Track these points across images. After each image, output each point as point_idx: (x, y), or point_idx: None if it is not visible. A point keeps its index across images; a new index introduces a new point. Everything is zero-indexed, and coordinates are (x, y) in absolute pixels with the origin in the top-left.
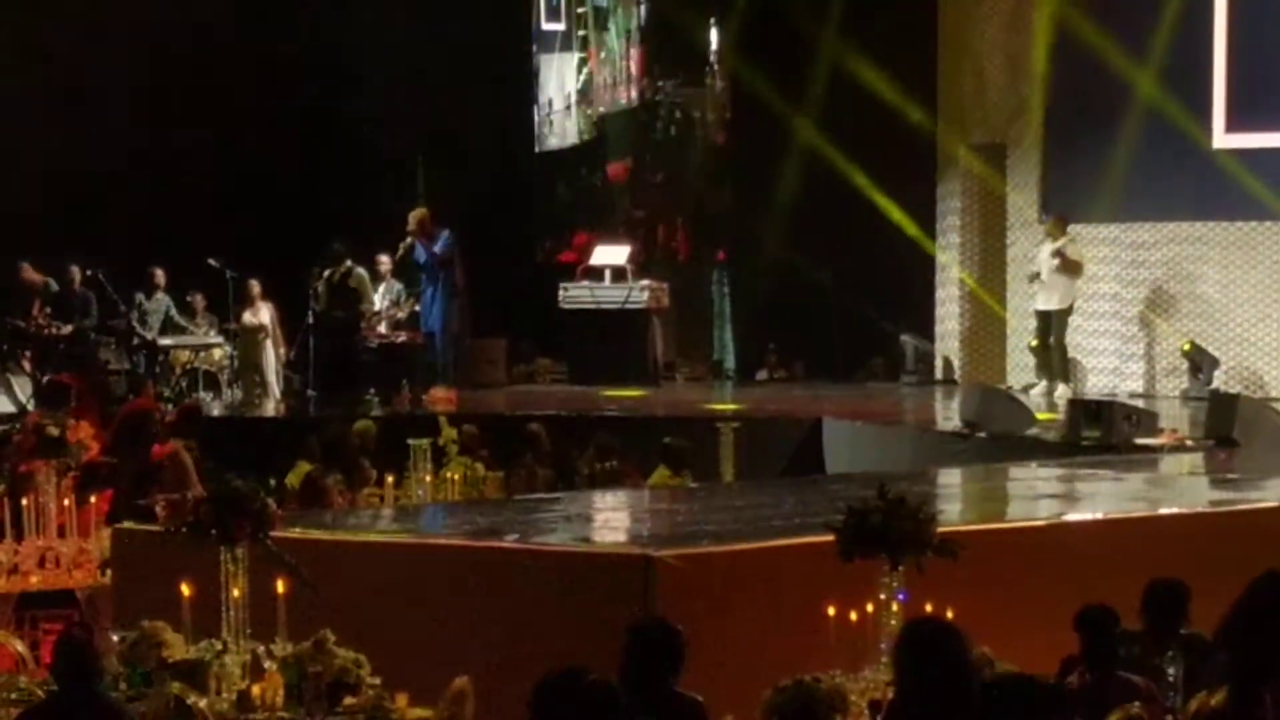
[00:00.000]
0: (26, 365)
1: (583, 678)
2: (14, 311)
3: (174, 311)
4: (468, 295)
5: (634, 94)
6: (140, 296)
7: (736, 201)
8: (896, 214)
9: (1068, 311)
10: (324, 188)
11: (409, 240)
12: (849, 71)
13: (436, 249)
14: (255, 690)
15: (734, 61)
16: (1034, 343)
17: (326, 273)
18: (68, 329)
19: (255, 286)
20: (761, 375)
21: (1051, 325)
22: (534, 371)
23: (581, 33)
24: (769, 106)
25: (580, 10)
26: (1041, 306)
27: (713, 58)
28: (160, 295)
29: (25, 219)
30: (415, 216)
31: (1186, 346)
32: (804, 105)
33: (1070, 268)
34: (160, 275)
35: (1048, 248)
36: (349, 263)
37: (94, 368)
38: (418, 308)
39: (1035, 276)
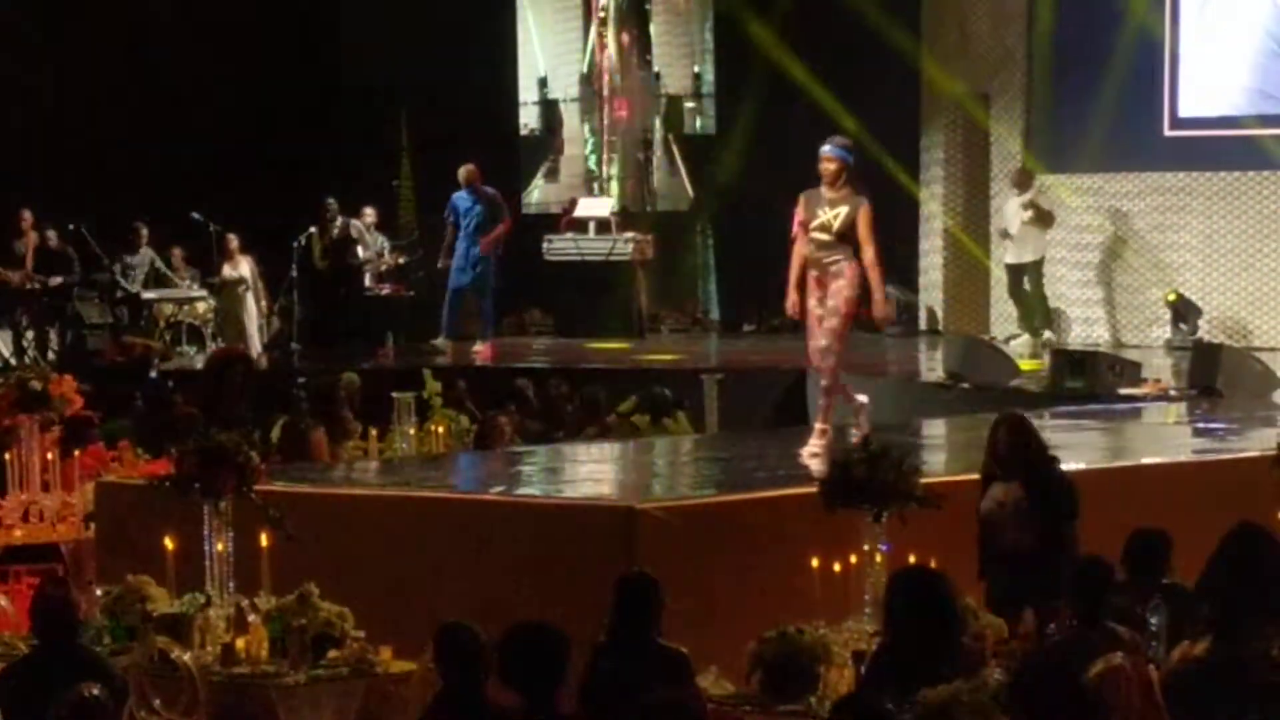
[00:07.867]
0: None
1: (543, 628)
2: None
3: (159, 263)
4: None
5: (625, 38)
6: (125, 256)
7: (720, 150)
8: (881, 163)
9: (1040, 263)
10: (306, 142)
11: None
12: (835, 21)
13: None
14: (239, 644)
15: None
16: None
17: (325, 228)
18: (51, 282)
19: (234, 241)
20: (748, 326)
21: (1026, 277)
22: (526, 323)
23: None
24: (753, 52)
25: None
26: (1012, 260)
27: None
28: (144, 250)
29: (10, 173)
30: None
31: (1172, 296)
32: (788, 52)
33: (1043, 218)
34: (144, 232)
35: (1015, 201)
36: (341, 218)
37: (77, 323)
38: (401, 260)
39: (1005, 234)
